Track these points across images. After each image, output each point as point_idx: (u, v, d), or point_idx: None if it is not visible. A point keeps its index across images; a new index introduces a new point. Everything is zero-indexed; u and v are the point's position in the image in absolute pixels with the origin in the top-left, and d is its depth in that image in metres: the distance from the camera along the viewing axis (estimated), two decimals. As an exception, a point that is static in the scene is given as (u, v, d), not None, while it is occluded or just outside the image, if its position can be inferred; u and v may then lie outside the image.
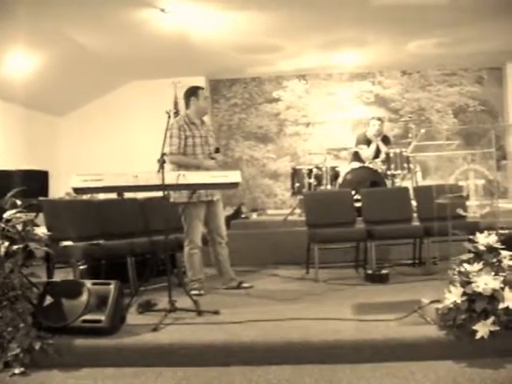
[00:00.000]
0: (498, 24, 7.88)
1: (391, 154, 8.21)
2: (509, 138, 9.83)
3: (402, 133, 10.01)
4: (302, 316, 4.02)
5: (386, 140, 8.59)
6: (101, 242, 5.29)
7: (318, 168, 8.60)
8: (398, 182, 8.28)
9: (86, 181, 4.27)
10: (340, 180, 8.25)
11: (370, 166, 8.16)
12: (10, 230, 3.75)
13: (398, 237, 6.40)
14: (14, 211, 3.82)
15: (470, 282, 3.36)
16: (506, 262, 3.46)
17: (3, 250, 3.65)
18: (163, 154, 4.49)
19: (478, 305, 3.29)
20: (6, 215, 3.79)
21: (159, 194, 4.59)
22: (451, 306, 3.39)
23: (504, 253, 3.49)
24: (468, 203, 5.00)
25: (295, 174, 8.81)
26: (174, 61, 9.29)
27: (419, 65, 10.13)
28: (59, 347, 3.52)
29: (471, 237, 3.59)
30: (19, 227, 3.81)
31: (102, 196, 6.92)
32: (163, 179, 4.33)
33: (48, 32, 7.31)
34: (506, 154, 9.58)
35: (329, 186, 8.37)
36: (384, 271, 5.73)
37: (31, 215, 4.10)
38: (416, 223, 6.60)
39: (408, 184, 7.89)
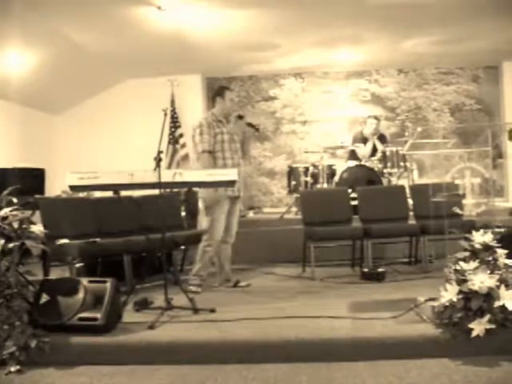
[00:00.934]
0: (494, 22, 7.88)
1: (388, 153, 8.23)
2: (505, 137, 9.85)
3: (399, 131, 10.00)
4: (299, 314, 4.03)
5: (382, 138, 8.61)
6: (97, 239, 5.28)
7: (315, 166, 8.61)
8: (395, 181, 8.30)
9: (82, 178, 4.27)
10: (336, 178, 8.27)
11: (367, 164, 8.18)
12: (6, 228, 3.74)
13: (395, 235, 6.42)
14: (10, 209, 3.81)
15: (465, 280, 3.37)
16: (501, 261, 3.48)
17: (-1, 247, 3.65)
18: (160, 152, 4.48)
19: (474, 303, 3.31)
20: (2, 213, 3.79)
21: (155, 191, 4.59)
22: (447, 304, 3.40)
23: (500, 251, 3.50)
24: (464, 201, 5.00)
25: (292, 172, 8.83)
26: (171, 59, 9.28)
27: (416, 63, 10.13)
28: (55, 345, 3.52)
29: (467, 235, 3.59)
30: (15, 225, 3.80)
31: (98, 194, 6.91)
32: (159, 177, 4.33)
33: (44, 30, 7.29)
34: (502, 152, 9.59)
35: (325, 185, 8.38)
36: (380, 269, 5.74)
37: (27, 213, 4.09)
38: (412, 221, 6.61)
39: (404, 182, 7.90)
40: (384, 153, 8.26)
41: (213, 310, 4.27)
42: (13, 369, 3.35)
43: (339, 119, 10.40)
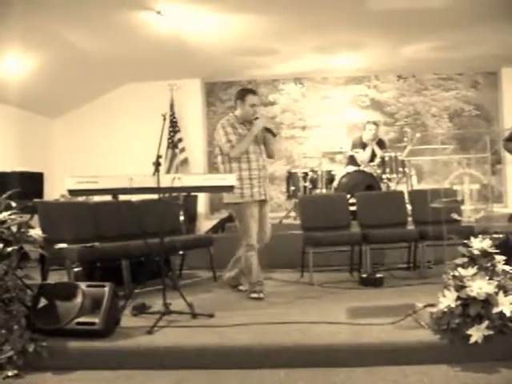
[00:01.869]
0: (493, 28, 7.90)
1: (386, 158, 8.24)
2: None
3: (398, 137, 10.00)
4: (297, 319, 4.03)
5: (381, 144, 8.61)
6: (96, 244, 5.28)
7: (314, 171, 8.61)
8: (393, 186, 8.30)
9: (81, 183, 4.27)
10: (335, 184, 8.27)
11: (366, 169, 8.18)
12: (5, 232, 3.75)
13: (393, 240, 6.41)
14: (8, 213, 3.81)
15: (464, 287, 3.37)
16: (500, 267, 3.48)
17: (-3, 251, 3.64)
18: (159, 157, 4.48)
19: (472, 309, 3.31)
20: (0, 217, 3.78)
21: (154, 196, 4.59)
22: (445, 310, 3.40)
23: (498, 257, 3.51)
24: (463, 207, 5.02)
25: (290, 177, 8.82)
26: (170, 63, 9.28)
27: (415, 69, 10.14)
28: (53, 349, 3.51)
29: (466, 241, 3.59)
30: (14, 229, 3.80)
31: (96, 198, 6.91)
32: (158, 182, 4.33)
33: (43, 33, 7.29)
34: (501, 158, 9.60)
35: (324, 190, 8.38)
36: (379, 275, 5.74)
37: (26, 217, 4.10)
38: (411, 227, 6.62)
39: (403, 188, 7.91)
40: (383, 158, 8.26)
41: (211, 315, 4.27)
42: (10, 373, 3.34)
43: (338, 124, 10.40)
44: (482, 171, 4.86)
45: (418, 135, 6.40)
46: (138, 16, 7.12)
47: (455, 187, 4.66)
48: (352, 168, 8.31)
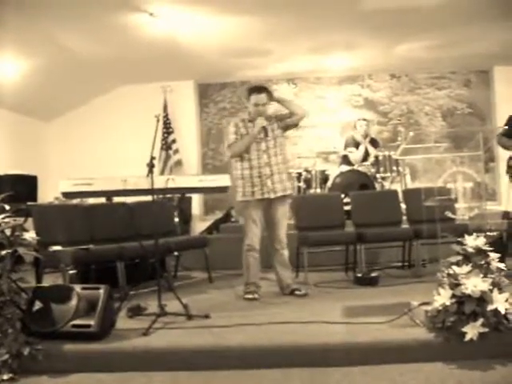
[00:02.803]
0: (485, 27, 7.93)
1: (380, 157, 8.26)
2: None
3: (391, 136, 10.03)
4: (292, 319, 4.03)
5: (374, 143, 8.64)
6: (90, 246, 5.27)
7: (308, 171, 8.62)
8: (387, 185, 8.32)
9: (75, 185, 4.27)
10: (329, 183, 8.28)
11: (360, 169, 8.19)
12: (-1, 235, 3.74)
13: (388, 239, 6.42)
14: (2, 216, 3.80)
15: (458, 284, 3.38)
16: (494, 264, 3.49)
17: (-9, 255, 3.63)
18: (152, 158, 4.47)
19: (467, 307, 3.31)
20: (-6, 220, 3.78)
21: (148, 197, 4.59)
22: (440, 308, 3.41)
23: (492, 255, 3.51)
24: (456, 206, 5.02)
25: (285, 177, 8.81)
26: (163, 65, 9.28)
27: (408, 68, 10.17)
28: (48, 352, 3.50)
29: (460, 239, 3.60)
30: (8, 232, 3.79)
31: (91, 200, 6.90)
32: (152, 183, 4.32)
33: (36, 36, 7.28)
34: (494, 156, 9.63)
35: (318, 190, 8.39)
36: (373, 274, 5.74)
37: (20, 220, 4.09)
38: (405, 226, 6.63)
39: (397, 187, 7.93)
40: (377, 157, 8.29)
41: (207, 316, 4.26)
42: (5, 377, 3.33)
43: (332, 124, 10.41)
44: (476, 169, 4.86)
45: (411, 134, 6.42)
46: (131, 18, 7.11)
47: (449, 185, 4.66)
48: (346, 167, 8.32)
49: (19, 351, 3.42)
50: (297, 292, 5.27)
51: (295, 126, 5.47)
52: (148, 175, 4.35)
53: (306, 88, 10.61)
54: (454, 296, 3.37)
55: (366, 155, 8.46)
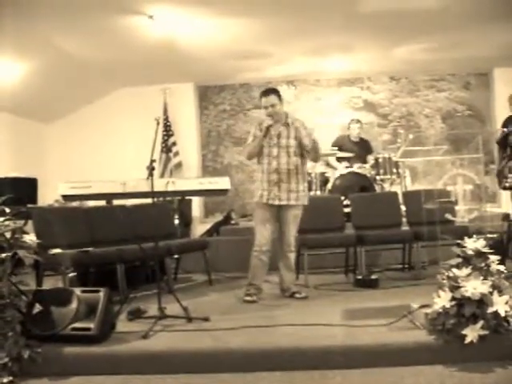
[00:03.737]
0: (484, 30, 7.93)
1: (380, 159, 8.26)
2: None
3: (391, 138, 10.04)
4: (292, 322, 4.02)
5: (365, 144, 8.73)
6: (90, 249, 5.27)
7: (308, 174, 8.61)
8: (387, 187, 8.32)
9: (75, 188, 4.27)
10: (329, 185, 8.28)
11: (359, 171, 8.19)
12: (-1, 238, 3.74)
13: (388, 242, 6.43)
14: (2, 219, 3.80)
15: (458, 287, 3.38)
16: (494, 267, 3.49)
17: (-9, 258, 3.63)
18: (152, 161, 4.47)
19: (467, 309, 3.31)
20: (-6, 223, 3.78)
21: (148, 200, 4.59)
22: (440, 310, 3.40)
23: (492, 257, 3.51)
24: (456, 208, 5.03)
25: (284, 179, 8.82)
26: (163, 67, 9.28)
27: (407, 70, 10.17)
28: (48, 356, 3.50)
29: (460, 241, 3.60)
30: (8, 235, 3.79)
31: (91, 203, 6.90)
32: (152, 186, 4.32)
33: (35, 39, 7.28)
34: (494, 158, 9.64)
35: (318, 192, 8.38)
36: (374, 276, 5.74)
37: (20, 223, 4.09)
38: (405, 228, 6.63)
39: (397, 189, 7.93)
40: (377, 159, 8.29)
41: (206, 319, 4.25)
42: (5, 380, 3.32)
43: (331, 126, 10.40)
44: (476, 171, 4.87)
45: (411, 136, 6.43)
46: (131, 21, 7.12)
47: (449, 188, 4.68)
48: (346, 169, 8.31)
49: (19, 354, 3.42)
50: (297, 295, 5.28)
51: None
52: (148, 178, 4.35)
53: (306, 90, 10.61)
54: (453, 298, 3.37)
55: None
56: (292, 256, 5.35)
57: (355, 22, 7.56)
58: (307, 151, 5.29)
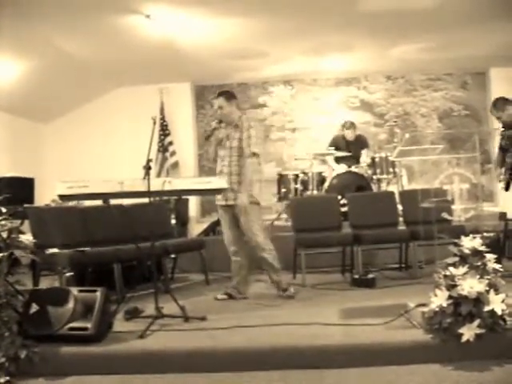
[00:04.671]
0: (481, 29, 7.95)
1: (377, 159, 8.27)
2: (493, 142, 9.91)
3: (388, 137, 10.04)
4: (289, 321, 4.02)
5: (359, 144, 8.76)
6: (87, 249, 5.27)
7: (304, 173, 8.63)
8: (384, 187, 8.33)
9: (72, 187, 4.25)
10: (326, 185, 8.28)
11: (356, 170, 8.20)
12: (-5, 238, 3.73)
13: (384, 241, 6.44)
14: (-1, 219, 3.80)
15: (455, 286, 3.38)
16: (490, 265, 3.49)
17: (-12, 257, 3.63)
18: (149, 161, 4.47)
19: (464, 308, 3.31)
20: (-10, 223, 3.77)
21: (145, 200, 4.58)
22: (437, 309, 3.41)
23: (489, 256, 3.52)
24: (453, 207, 5.04)
25: (281, 179, 8.84)
26: (160, 67, 9.28)
27: (404, 70, 10.18)
28: (45, 355, 3.49)
29: (456, 240, 3.60)
30: (4, 234, 3.79)
31: (87, 203, 6.89)
32: (149, 186, 4.32)
33: (33, 38, 7.28)
34: (491, 157, 9.65)
35: (315, 191, 8.39)
36: (370, 275, 5.75)
37: (17, 222, 4.08)
38: (402, 227, 6.64)
39: (394, 188, 7.94)
40: (373, 159, 8.30)
41: (203, 318, 4.26)
42: (2, 380, 3.32)
43: (328, 126, 10.40)
44: (472, 171, 4.87)
45: (407, 136, 6.42)
46: (128, 20, 7.11)
47: (445, 187, 4.68)
48: (342, 169, 8.32)
49: (16, 354, 3.42)
50: (284, 293, 5.26)
51: None
52: (144, 177, 4.34)
53: (303, 90, 10.61)
54: (450, 297, 3.38)
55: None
56: (266, 255, 5.17)
57: (352, 21, 7.57)
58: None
